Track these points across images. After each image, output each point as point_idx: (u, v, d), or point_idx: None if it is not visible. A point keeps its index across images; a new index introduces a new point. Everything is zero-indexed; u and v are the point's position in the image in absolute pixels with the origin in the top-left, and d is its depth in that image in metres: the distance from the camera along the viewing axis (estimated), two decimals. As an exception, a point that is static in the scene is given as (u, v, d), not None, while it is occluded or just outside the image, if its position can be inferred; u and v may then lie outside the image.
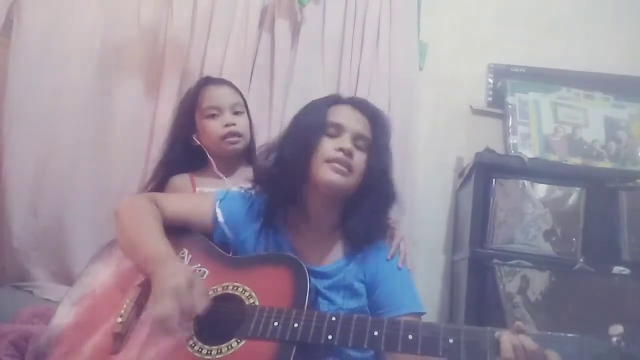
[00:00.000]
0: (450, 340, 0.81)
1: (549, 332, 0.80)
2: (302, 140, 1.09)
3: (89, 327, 0.99)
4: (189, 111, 1.49)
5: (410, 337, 0.83)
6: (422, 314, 1.06)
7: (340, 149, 1.05)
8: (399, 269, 1.10)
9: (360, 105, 1.15)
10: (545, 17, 2.12)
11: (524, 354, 0.77)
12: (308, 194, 1.11)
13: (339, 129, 1.09)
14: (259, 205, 1.14)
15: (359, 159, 1.08)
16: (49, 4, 1.79)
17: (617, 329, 0.76)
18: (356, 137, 1.09)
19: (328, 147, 1.07)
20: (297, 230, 1.12)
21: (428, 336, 0.82)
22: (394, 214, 1.76)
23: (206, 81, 1.54)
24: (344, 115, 1.11)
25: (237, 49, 1.89)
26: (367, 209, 1.10)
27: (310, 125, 1.10)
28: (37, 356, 0.99)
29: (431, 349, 0.81)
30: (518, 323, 0.80)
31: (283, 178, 1.09)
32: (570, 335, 0.78)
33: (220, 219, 1.12)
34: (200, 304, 0.88)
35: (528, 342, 0.77)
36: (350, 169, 1.06)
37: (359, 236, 1.10)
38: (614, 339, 0.75)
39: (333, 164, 1.05)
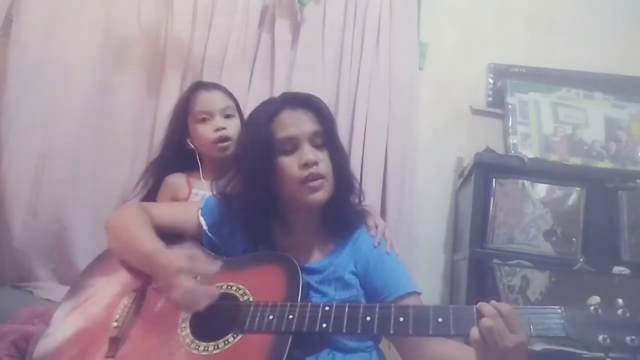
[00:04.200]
0: (440, 320, 0.84)
1: (529, 305, 0.84)
2: (259, 172, 1.05)
3: (85, 333, 0.99)
4: (182, 116, 1.52)
5: (401, 319, 0.86)
6: (419, 293, 1.06)
7: (305, 164, 1.02)
8: (388, 254, 1.11)
9: (298, 102, 1.09)
10: (545, 17, 2.12)
11: (501, 318, 0.78)
12: (285, 210, 1.10)
13: (292, 143, 1.04)
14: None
15: (324, 159, 1.06)
16: (49, 4, 1.79)
17: (594, 299, 0.81)
18: (311, 138, 1.05)
19: (292, 167, 1.03)
20: (282, 234, 1.12)
21: (418, 317, 0.86)
22: (393, 211, 1.75)
23: (197, 86, 1.56)
24: (289, 124, 1.05)
25: (237, 49, 1.89)
26: (343, 201, 1.11)
27: (261, 153, 1.04)
28: None
29: (422, 329, 0.85)
30: (493, 302, 0.83)
31: (252, 209, 1.08)
32: (550, 307, 0.81)
33: (204, 226, 1.13)
34: (210, 267, 0.95)
35: (502, 306, 0.80)
36: (323, 176, 1.04)
37: (342, 229, 1.12)
38: (592, 308, 0.79)
39: (308, 185, 1.02)
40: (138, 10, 1.89)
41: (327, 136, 1.08)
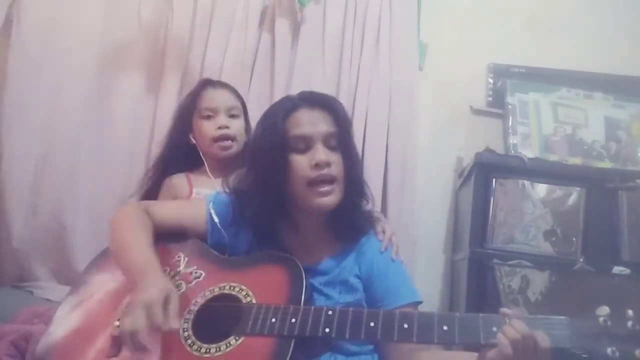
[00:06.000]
0: (445, 327, 0.83)
1: (538, 316, 0.82)
2: (270, 169, 1.03)
3: (87, 331, 0.99)
4: (187, 111, 1.52)
5: (405, 326, 0.85)
6: (419, 302, 1.06)
7: (317, 165, 1.01)
8: (393, 260, 1.10)
9: (315, 101, 1.07)
10: (545, 17, 2.12)
11: (521, 342, 0.77)
12: (293, 209, 1.08)
13: (306, 141, 1.03)
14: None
15: (336, 162, 1.04)
16: (49, 4, 1.79)
17: (603, 310, 0.79)
18: (326, 139, 1.04)
19: (303, 165, 1.02)
20: (288, 232, 1.11)
21: (423, 324, 0.85)
22: (393, 211, 1.73)
23: (206, 83, 1.56)
24: (305, 123, 1.04)
25: (237, 49, 1.89)
26: (352, 205, 1.09)
27: (273, 149, 1.02)
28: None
29: (426, 337, 0.84)
30: (503, 310, 0.82)
31: (261, 206, 1.05)
32: (558, 317, 0.80)
33: (216, 220, 1.12)
34: (171, 322, 0.87)
35: (522, 328, 0.78)
36: (333, 180, 1.02)
37: (351, 234, 1.11)
38: (601, 319, 0.78)
39: (317, 189, 1.01)
40: (138, 10, 1.89)
41: (342, 138, 1.06)
